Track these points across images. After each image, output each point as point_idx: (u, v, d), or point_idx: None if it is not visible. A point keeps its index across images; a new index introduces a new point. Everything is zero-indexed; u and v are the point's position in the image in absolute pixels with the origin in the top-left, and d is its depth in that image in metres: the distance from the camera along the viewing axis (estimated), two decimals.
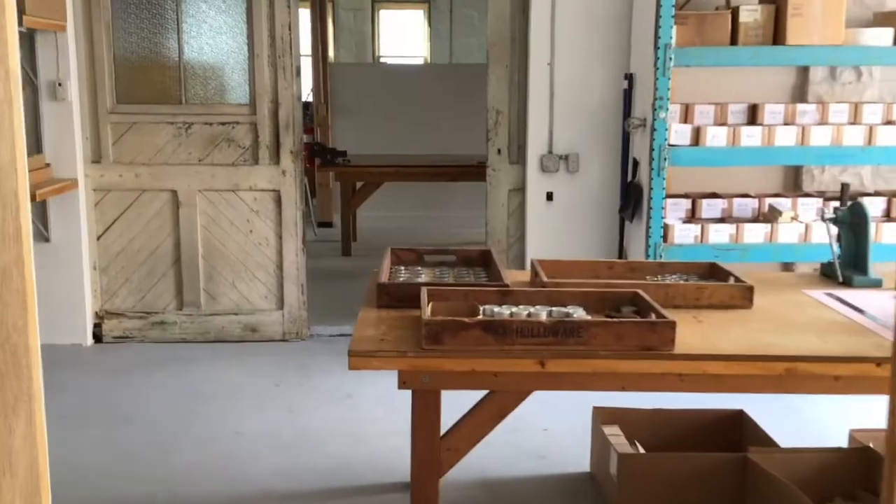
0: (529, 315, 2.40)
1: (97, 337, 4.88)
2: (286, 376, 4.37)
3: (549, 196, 4.81)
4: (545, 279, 2.74)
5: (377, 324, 2.47)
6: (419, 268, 3.13)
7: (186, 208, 4.82)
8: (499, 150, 4.91)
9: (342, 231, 7.21)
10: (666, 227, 4.20)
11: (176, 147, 4.81)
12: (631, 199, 4.44)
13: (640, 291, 2.56)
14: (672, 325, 2.26)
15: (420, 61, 12.88)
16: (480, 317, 2.33)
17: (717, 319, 2.59)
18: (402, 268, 3.12)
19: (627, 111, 4.59)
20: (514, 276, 3.06)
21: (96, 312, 4.88)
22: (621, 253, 4.70)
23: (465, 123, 7.87)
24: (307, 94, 8.43)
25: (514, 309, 2.45)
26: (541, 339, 2.24)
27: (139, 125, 4.79)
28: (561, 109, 4.73)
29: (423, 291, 2.50)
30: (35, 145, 4.60)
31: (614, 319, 2.30)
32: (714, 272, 2.99)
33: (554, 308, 2.47)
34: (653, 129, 4.11)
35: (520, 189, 4.91)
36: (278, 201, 4.84)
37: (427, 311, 2.36)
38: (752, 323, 2.55)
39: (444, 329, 2.24)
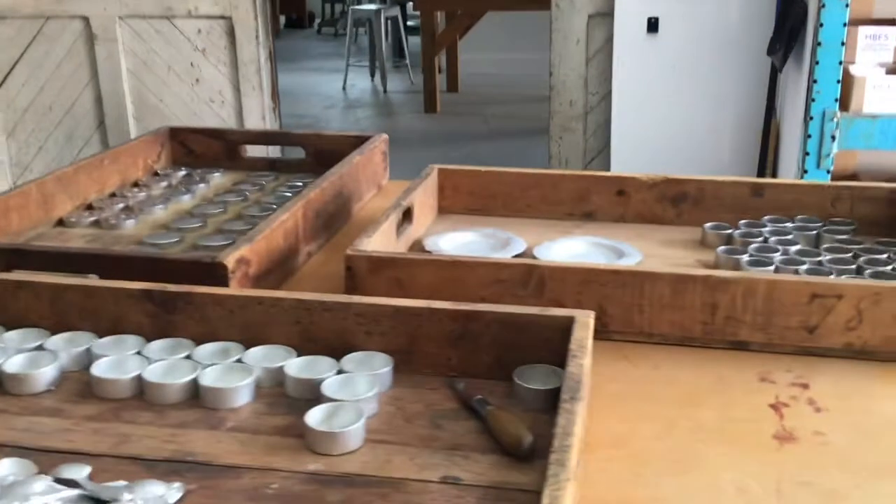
0: None
1: None
2: None
3: (653, 24, 2.85)
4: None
5: None
6: (216, 172, 1.44)
7: (104, 44, 3.28)
8: None
9: (424, 79, 5.45)
10: (848, 81, 2.20)
11: None
12: (784, 31, 2.41)
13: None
14: None
15: None
16: None
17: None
18: (181, 172, 1.45)
19: None
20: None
21: None
22: (768, 127, 2.69)
23: None
24: None
25: None
26: None
27: None
28: None
29: None
30: None
31: None
32: None
33: None
34: None
35: (606, 14, 2.96)
36: (231, 34, 3.19)
37: None
38: None
39: None
